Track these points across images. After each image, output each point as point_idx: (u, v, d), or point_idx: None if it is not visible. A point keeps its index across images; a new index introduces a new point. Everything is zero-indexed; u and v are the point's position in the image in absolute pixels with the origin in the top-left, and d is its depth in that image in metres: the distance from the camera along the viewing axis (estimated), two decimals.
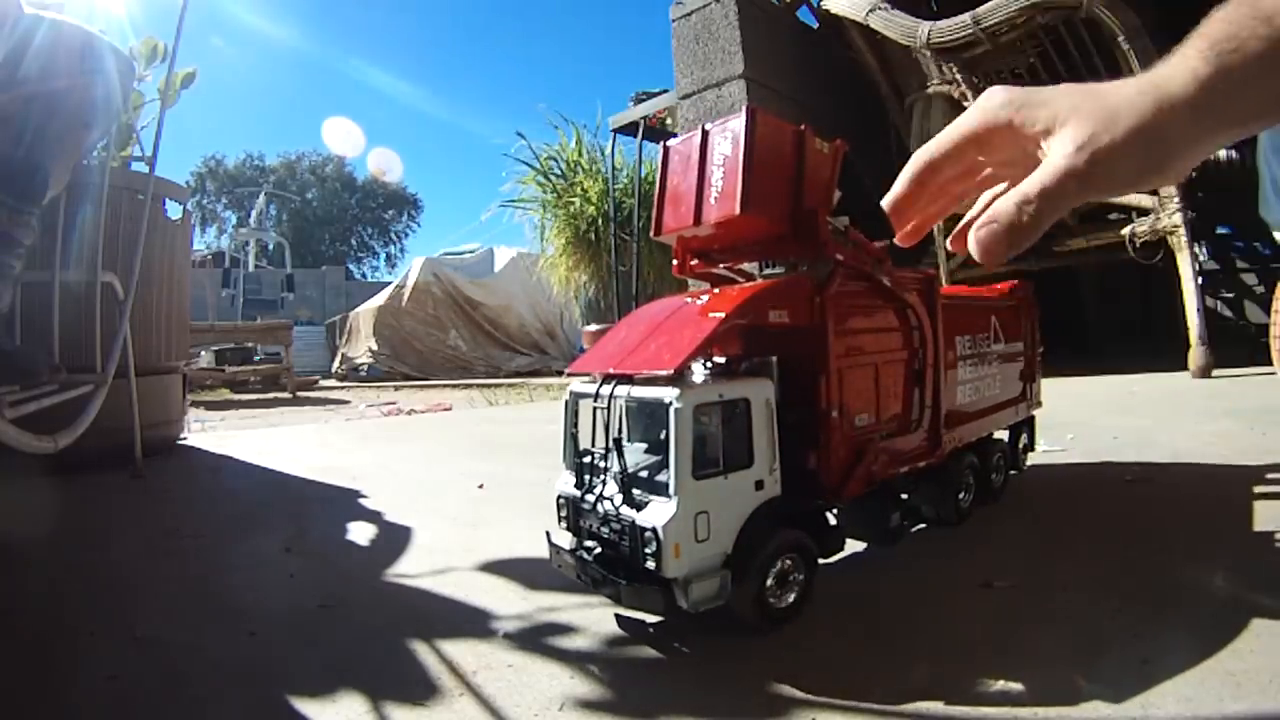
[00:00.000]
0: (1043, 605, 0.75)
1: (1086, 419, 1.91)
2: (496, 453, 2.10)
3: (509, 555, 0.99)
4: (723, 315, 0.62)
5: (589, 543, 0.69)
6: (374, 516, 1.31)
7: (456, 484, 1.57)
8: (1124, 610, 0.72)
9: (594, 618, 0.74)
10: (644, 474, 0.64)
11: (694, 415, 0.60)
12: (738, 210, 0.55)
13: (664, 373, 0.60)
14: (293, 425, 3.31)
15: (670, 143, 0.65)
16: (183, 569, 1.06)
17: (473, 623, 0.77)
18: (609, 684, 0.62)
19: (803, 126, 0.66)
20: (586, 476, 0.68)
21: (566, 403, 0.71)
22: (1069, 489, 1.26)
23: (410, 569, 0.98)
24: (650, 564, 0.60)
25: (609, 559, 0.66)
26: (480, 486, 1.48)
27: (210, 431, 3.03)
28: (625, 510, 0.63)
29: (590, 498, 0.67)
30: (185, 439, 2.47)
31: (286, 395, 5.91)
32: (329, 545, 1.15)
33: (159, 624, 0.84)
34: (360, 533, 1.21)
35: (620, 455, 0.63)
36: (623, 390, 0.64)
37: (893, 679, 0.61)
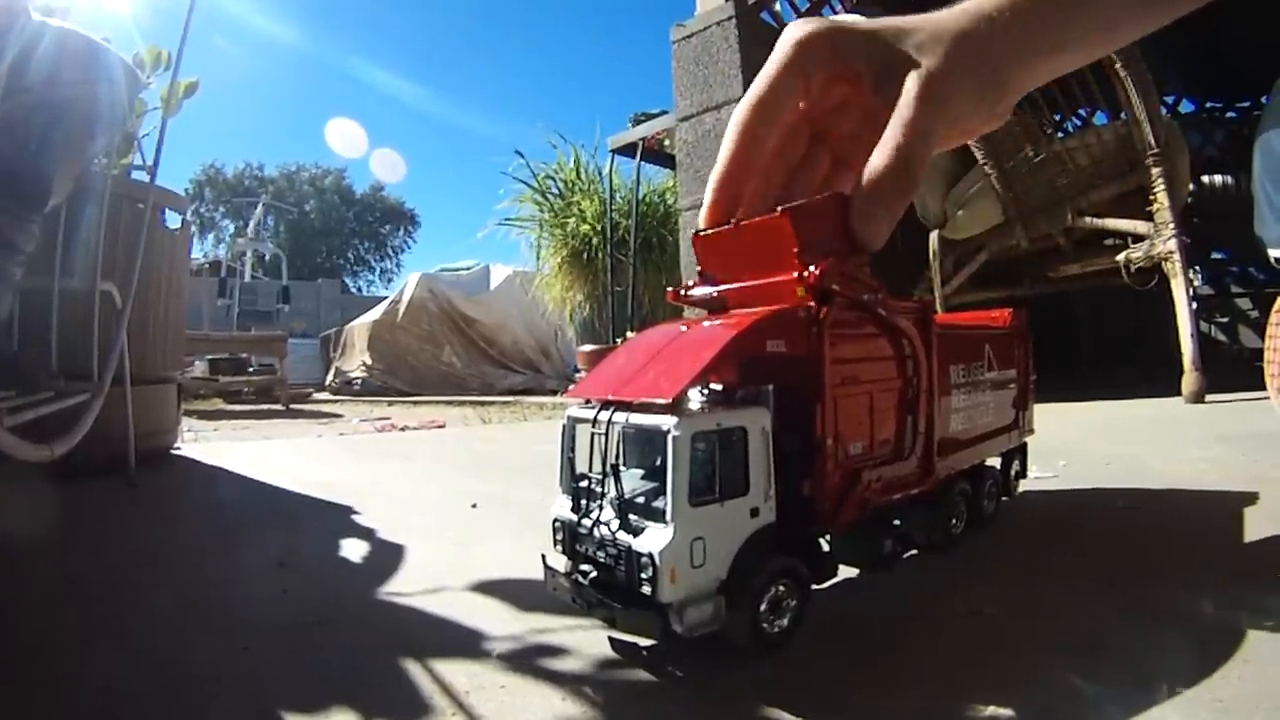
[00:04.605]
0: (1032, 632, 0.76)
1: (1079, 445, 1.93)
2: (490, 471, 2.10)
3: (502, 575, 1.00)
4: (721, 345, 0.63)
5: (585, 567, 0.69)
6: (367, 533, 1.30)
7: (450, 502, 1.57)
8: (1112, 637, 0.73)
9: (587, 640, 0.74)
10: (641, 500, 0.65)
11: (691, 443, 0.61)
12: (778, 209, 0.60)
13: (662, 401, 0.61)
14: (286, 438, 3.30)
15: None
16: (176, 580, 1.06)
17: (465, 643, 0.77)
18: (602, 706, 0.62)
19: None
20: (583, 501, 0.68)
21: (564, 427, 0.71)
22: (1060, 515, 1.27)
23: (403, 587, 0.98)
24: (646, 589, 0.61)
25: (605, 583, 0.67)
26: (474, 505, 1.48)
27: (203, 442, 3.02)
28: (622, 536, 0.63)
29: (587, 522, 0.67)
30: (179, 449, 2.46)
31: (280, 407, 5.89)
32: (322, 561, 1.15)
33: (153, 635, 0.84)
34: (353, 549, 1.21)
35: (618, 481, 0.64)
36: (620, 417, 0.65)
37: (884, 704, 0.62)
